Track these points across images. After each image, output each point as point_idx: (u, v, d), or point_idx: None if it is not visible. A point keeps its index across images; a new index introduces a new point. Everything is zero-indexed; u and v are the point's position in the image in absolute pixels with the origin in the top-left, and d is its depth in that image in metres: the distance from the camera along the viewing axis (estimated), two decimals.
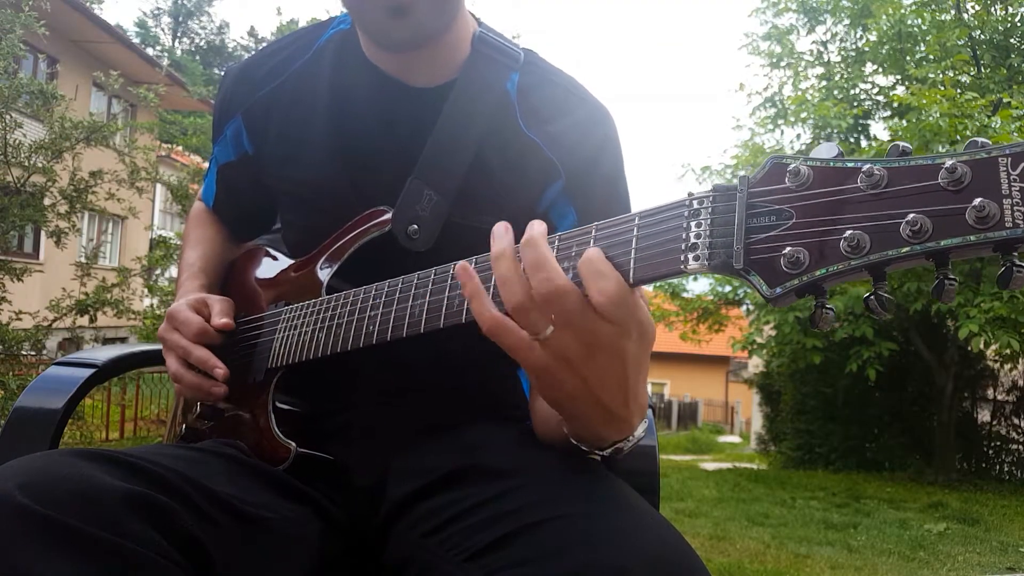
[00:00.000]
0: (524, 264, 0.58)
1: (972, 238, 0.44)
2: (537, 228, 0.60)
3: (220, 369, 0.88)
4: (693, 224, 0.55)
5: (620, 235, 0.59)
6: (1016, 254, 0.44)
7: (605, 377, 0.60)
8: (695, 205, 0.56)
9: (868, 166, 0.48)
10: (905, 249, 0.46)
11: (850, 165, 0.49)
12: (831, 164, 0.50)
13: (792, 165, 0.52)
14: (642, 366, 0.62)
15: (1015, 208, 0.43)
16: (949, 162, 0.45)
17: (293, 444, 0.84)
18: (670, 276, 0.56)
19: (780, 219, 0.51)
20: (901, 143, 0.49)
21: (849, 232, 0.48)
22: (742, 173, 0.55)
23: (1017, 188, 0.43)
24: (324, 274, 0.90)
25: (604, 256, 0.57)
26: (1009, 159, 0.44)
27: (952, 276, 0.46)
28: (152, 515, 0.60)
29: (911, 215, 0.46)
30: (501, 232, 0.62)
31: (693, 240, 0.54)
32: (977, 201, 0.44)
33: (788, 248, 0.50)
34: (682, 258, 0.55)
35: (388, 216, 0.86)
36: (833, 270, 0.48)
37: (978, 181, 0.45)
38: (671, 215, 0.57)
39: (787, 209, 0.51)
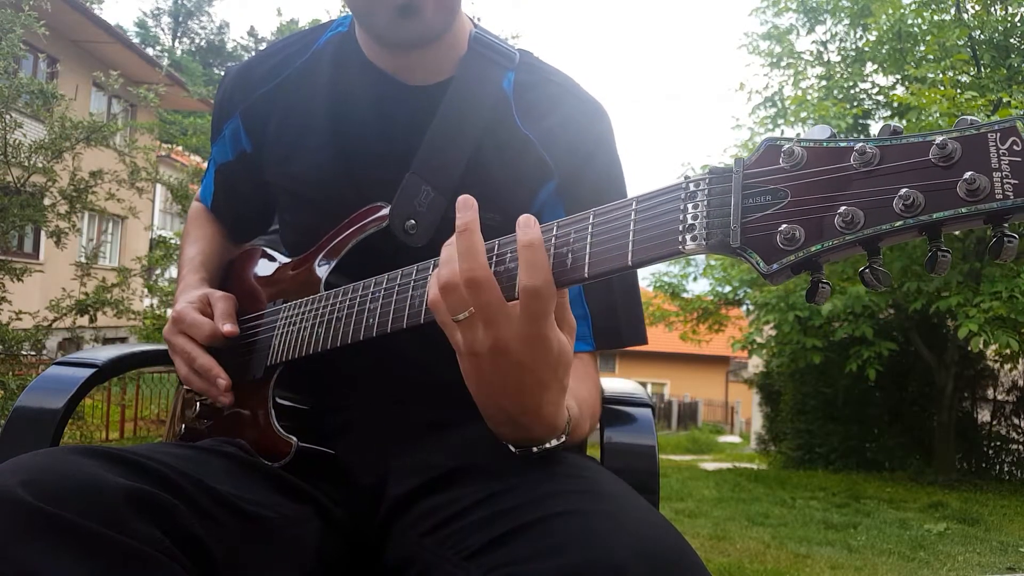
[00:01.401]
0: (458, 250, 0.62)
1: (963, 210, 0.45)
2: (471, 208, 0.64)
3: (223, 380, 0.88)
4: (690, 206, 0.56)
5: (618, 219, 0.60)
6: (1007, 225, 0.45)
7: (506, 383, 0.64)
8: (691, 188, 0.56)
9: (860, 145, 0.49)
10: (899, 223, 0.46)
11: (843, 144, 0.50)
12: (824, 144, 0.51)
13: (786, 146, 0.52)
14: (549, 386, 0.66)
15: (1004, 180, 0.44)
16: (939, 138, 0.46)
17: (294, 439, 0.84)
18: (668, 257, 0.56)
19: (775, 198, 0.52)
20: (892, 123, 0.49)
21: (843, 208, 0.48)
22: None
23: (1006, 162, 0.44)
24: (322, 270, 0.90)
25: (542, 243, 0.61)
26: (998, 134, 0.45)
27: (945, 248, 0.46)
28: (153, 512, 0.61)
29: (903, 190, 0.46)
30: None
31: (691, 221, 0.55)
32: (967, 175, 0.45)
33: (784, 226, 0.51)
34: (680, 239, 0.55)
35: (386, 211, 0.86)
36: (828, 245, 0.49)
37: (968, 156, 0.45)
38: (668, 198, 0.57)
39: (782, 188, 0.52)
